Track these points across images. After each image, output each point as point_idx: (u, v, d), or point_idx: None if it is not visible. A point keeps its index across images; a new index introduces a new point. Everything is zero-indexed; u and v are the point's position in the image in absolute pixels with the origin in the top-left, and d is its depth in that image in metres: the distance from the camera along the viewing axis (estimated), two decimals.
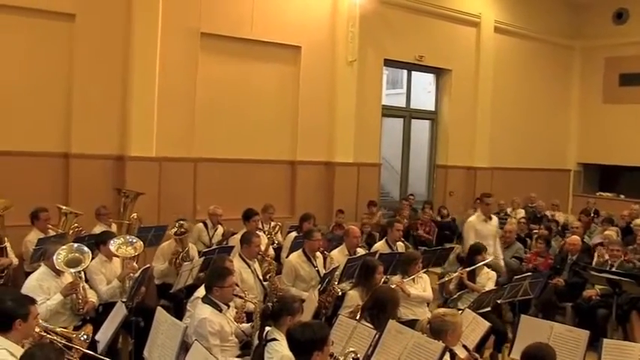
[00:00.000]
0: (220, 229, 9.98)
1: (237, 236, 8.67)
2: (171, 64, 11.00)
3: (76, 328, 5.43)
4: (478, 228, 9.59)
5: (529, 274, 8.26)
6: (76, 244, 6.63)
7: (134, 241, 7.35)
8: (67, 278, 6.45)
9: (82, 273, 6.51)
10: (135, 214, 9.46)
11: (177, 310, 7.57)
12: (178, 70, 11.16)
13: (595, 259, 9.49)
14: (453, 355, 5.23)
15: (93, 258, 7.25)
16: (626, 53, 17.25)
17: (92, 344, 5.37)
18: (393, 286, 6.87)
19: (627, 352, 5.16)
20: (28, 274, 7.13)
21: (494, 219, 10.02)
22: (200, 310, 5.68)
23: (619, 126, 17.33)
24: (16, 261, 7.90)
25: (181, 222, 8.35)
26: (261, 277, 7.72)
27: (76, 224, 8.88)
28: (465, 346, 5.27)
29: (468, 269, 7.99)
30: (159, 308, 5.59)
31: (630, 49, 17.06)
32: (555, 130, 18.11)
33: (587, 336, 5.48)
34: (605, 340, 5.36)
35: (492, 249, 9.23)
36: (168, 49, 10.94)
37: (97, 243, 7.47)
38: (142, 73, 10.65)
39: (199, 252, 8.61)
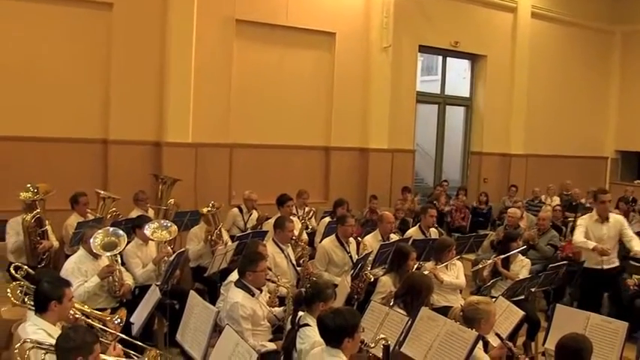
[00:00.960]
0: (255, 214, 10.05)
1: (271, 221, 8.65)
2: (206, 51, 11.13)
3: (113, 311, 5.53)
4: (591, 229, 8.08)
5: (565, 262, 8.18)
6: (111, 228, 6.73)
7: (169, 225, 7.43)
8: (104, 261, 6.56)
9: (118, 256, 6.62)
10: (172, 199, 9.59)
11: (212, 293, 7.66)
12: (214, 57, 11.30)
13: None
14: (486, 344, 5.23)
15: (129, 242, 7.45)
16: None
17: (127, 326, 5.49)
18: (426, 273, 6.84)
19: None
20: (68, 256, 7.26)
21: (615, 219, 8.16)
22: (233, 294, 5.71)
23: None
24: (56, 244, 8.03)
25: (212, 203, 8.45)
26: (294, 262, 7.74)
27: (113, 209, 9.00)
28: (498, 335, 5.22)
29: (502, 256, 7.92)
30: (192, 292, 5.61)
31: None
32: (593, 117, 17.84)
33: (626, 328, 5.23)
34: None
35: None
36: (203, 37, 11.08)
37: (133, 227, 7.59)
38: (179, 60, 10.80)
39: (233, 237, 8.69)
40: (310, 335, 4.81)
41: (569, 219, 11.87)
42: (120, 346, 4.64)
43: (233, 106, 11.60)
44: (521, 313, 5.93)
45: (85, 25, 10.33)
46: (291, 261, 7.69)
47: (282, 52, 12.30)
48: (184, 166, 10.67)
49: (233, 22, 11.48)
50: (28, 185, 7.74)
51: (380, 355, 4.64)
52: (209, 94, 11.22)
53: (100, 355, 3.98)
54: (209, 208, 8.31)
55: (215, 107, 11.36)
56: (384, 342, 4.56)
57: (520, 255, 8.07)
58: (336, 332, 4.22)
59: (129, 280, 6.82)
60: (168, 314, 6.60)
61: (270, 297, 6.24)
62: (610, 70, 18.17)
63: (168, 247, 7.38)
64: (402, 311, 5.50)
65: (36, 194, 7.68)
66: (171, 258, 6.89)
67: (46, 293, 4.56)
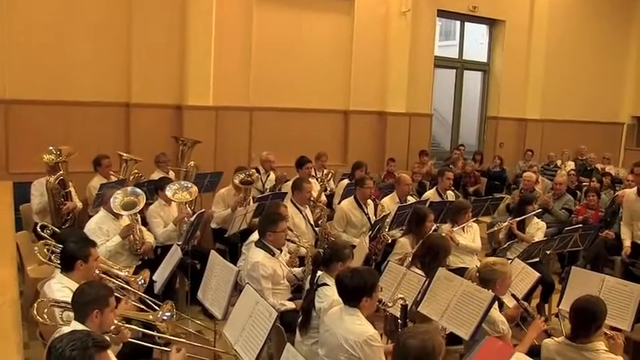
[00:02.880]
0: (273, 175, 10.09)
1: (290, 183, 8.76)
2: (226, 14, 11.13)
3: (137, 271, 5.64)
4: (632, 206, 8.19)
5: (580, 225, 8.24)
6: (129, 188, 6.83)
7: (189, 186, 7.53)
8: (125, 221, 6.71)
9: (138, 215, 6.74)
10: (192, 161, 9.66)
11: (232, 253, 7.77)
12: (234, 21, 11.30)
13: None
14: (501, 304, 5.33)
15: (151, 203, 7.60)
16: None
17: (150, 284, 5.61)
18: (443, 235, 6.89)
19: None
20: (91, 217, 7.44)
21: None
22: (253, 254, 5.80)
23: None
24: (80, 205, 8.18)
25: (247, 172, 8.46)
26: (312, 223, 7.90)
27: (136, 170, 9.10)
28: (513, 295, 5.32)
29: (517, 219, 8.00)
30: (212, 252, 5.74)
31: None
32: (610, 83, 17.62)
33: None
34: None
35: None
36: (223, 1, 11.09)
37: (156, 188, 7.76)
38: (199, 24, 10.80)
39: (252, 198, 8.76)
40: (328, 294, 4.88)
41: (584, 183, 11.94)
42: (131, 300, 4.82)
43: (253, 70, 11.64)
44: (537, 274, 6.03)
45: None
46: (309, 222, 7.84)
47: (301, 16, 12.28)
48: (205, 129, 10.73)
49: None
50: (51, 148, 7.88)
51: (397, 314, 4.73)
52: (229, 58, 11.25)
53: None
54: (243, 177, 8.31)
55: (235, 71, 11.39)
56: (401, 302, 4.64)
57: (535, 218, 8.16)
58: (354, 291, 4.30)
59: (150, 239, 6.96)
60: (190, 274, 6.72)
61: (290, 257, 6.37)
62: (630, 34, 17.80)
63: (188, 208, 7.53)
64: (419, 271, 5.58)
65: (59, 156, 7.81)
66: (192, 218, 7.00)
67: (73, 252, 4.70)
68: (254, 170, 8.85)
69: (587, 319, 4.36)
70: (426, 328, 3.66)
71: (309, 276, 5.37)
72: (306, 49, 12.37)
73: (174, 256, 5.98)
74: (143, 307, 5.13)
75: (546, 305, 7.54)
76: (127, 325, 4.23)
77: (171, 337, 4.62)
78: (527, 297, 6.26)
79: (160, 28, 10.72)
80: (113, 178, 8.74)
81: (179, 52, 10.88)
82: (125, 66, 10.59)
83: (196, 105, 10.87)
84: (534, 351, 4.58)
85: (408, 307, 4.72)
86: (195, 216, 7.05)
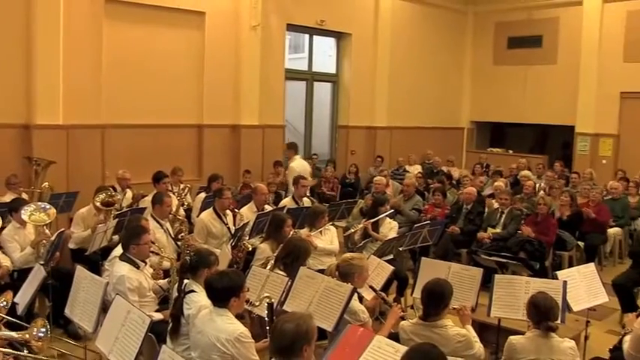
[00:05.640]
0: (129, 193, 10.01)
1: (148, 198, 8.76)
2: (75, 30, 10.84)
3: None
4: None
5: (427, 222, 8.87)
6: None
7: (47, 207, 7.33)
8: None
9: None
10: (46, 182, 9.47)
11: (93, 272, 7.46)
12: (83, 37, 11.02)
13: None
14: (361, 298, 5.67)
15: (4, 226, 7.37)
16: (513, 18, 18.22)
17: (12, 307, 5.50)
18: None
19: (515, 283, 5.72)
20: None
21: None
22: (118, 268, 5.82)
23: (507, 86, 18.32)
24: None
25: (109, 192, 8.36)
26: (173, 237, 7.94)
27: None
28: (371, 287, 5.76)
29: (371, 220, 8.46)
30: (79, 267, 5.70)
31: (517, 14, 18.06)
32: (450, 91, 18.93)
33: (481, 273, 6.00)
34: (497, 275, 5.92)
35: None
36: (71, 16, 10.77)
37: (10, 210, 7.50)
38: (46, 39, 10.45)
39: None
40: (196, 300, 4.98)
41: (431, 185, 12.68)
42: None
43: (105, 86, 11.44)
44: (391, 267, 6.49)
45: None
46: (170, 235, 7.87)
47: (152, 32, 12.25)
48: (56, 148, 10.41)
49: (102, 1, 11.28)
50: None
51: (264, 314, 4.89)
52: (79, 74, 10.96)
53: None
54: (104, 197, 8.18)
55: (86, 87, 11.11)
56: (267, 300, 4.85)
57: (388, 218, 8.66)
58: (222, 292, 4.50)
59: (6, 262, 6.78)
60: (51, 295, 6.58)
61: (154, 270, 6.41)
62: (464, 46, 19.30)
63: (47, 230, 7.35)
64: (282, 273, 5.83)
65: None
66: (52, 238, 6.87)
67: None
68: (113, 191, 8.74)
69: (436, 298, 4.82)
70: (300, 314, 3.97)
71: (176, 284, 5.44)
72: (159, 65, 12.34)
73: (37, 275, 5.88)
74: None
75: (402, 299, 8.00)
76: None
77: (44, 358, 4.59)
78: (384, 292, 6.64)
79: (3, 44, 10.28)
80: None
81: (25, 70, 10.46)
82: None
83: (46, 124, 10.53)
84: (393, 339, 4.92)
85: (274, 307, 4.93)
86: (55, 235, 6.92)
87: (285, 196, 10.60)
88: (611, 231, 10.73)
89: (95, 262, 7.71)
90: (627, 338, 5.13)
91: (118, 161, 11.17)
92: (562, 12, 17.24)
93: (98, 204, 8.18)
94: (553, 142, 19.09)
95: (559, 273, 6.15)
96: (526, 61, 17.92)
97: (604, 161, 16.41)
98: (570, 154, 17.21)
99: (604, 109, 16.35)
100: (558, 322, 4.88)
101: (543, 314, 4.75)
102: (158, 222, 7.76)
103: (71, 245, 8.28)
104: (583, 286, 6.08)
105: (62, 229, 7.44)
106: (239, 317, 4.86)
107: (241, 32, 13.45)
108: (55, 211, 7.48)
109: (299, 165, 11.84)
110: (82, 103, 11.06)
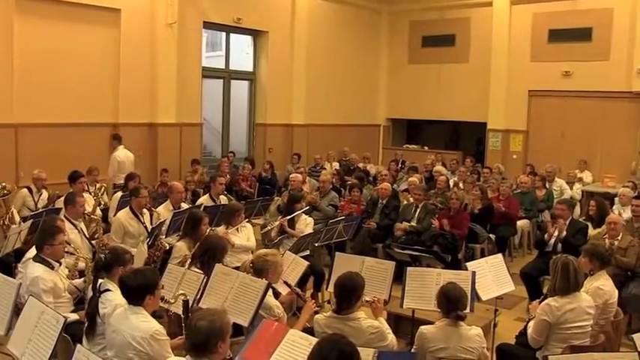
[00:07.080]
0: (45, 194, 9.83)
1: (63, 199, 8.67)
2: None
3: None
4: None
5: (343, 218, 9.08)
6: None
7: None
8: None
9: None
10: None
11: (7, 274, 7.35)
12: None
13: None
14: (277, 294, 5.82)
15: None
16: (427, 17, 18.69)
17: None
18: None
19: (426, 275, 5.93)
20: None
21: None
22: (32, 269, 5.75)
23: (422, 84, 18.77)
24: None
25: (2, 184, 8.27)
26: (88, 237, 7.85)
27: None
28: (286, 282, 5.86)
29: (288, 217, 8.57)
30: None
31: (430, 14, 18.52)
32: (366, 89, 19.23)
33: (394, 266, 6.18)
34: (409, 268, 6.12)
35: None
36: None
37: None
38: None
39: (25, 218, 8.44)
40: (111, 299, 4.98)
41: (348, 182, 12.91)
42: None
43: (17, 85, 11.24)
44: (306, 263, 6.64)
45: None
46: (85, 236, 7.78)
47: (67, 29, 12.08)
48: None
49: None
50: None
51: (180, 311, 4.94)
52: None
53: None
54: None
55: None
56: (183, 297, 4.87)
57: (304, 215, 8.78)
58: (137, 290, 4.53)
59: None
60: None
61: (70, 271, 6.35)
62: (380, 45, 19.63)
63: None
64: (198, 270, 5.87)
65: None
66: None
67: None
68: (4, 184, 8.58)
69: (347, 291, 4.96)
70: (214, 310, 4.06)
71: (91, 284, 5.42)
72: (74, 62, 12.19)
73: None
74: None
75: (319, 294, 8.15)
76: None
77: None
78: (301, 288, 6.75)
79: None
80: None
81: None
82: None
83: None
84: (308, 333, 5.07)
85: (190, 304, 5.00)
86: None
87: (204, 194, 10.60)
88: (520, 223, 11.16)
89: (8, 264, 7.56)
90: (531, 324, 5.46)
91: (33, 161, 10.96)
92: (473, 12, 17.82)
93: None
94: (467, 138, 19.72)
95: (468, 264, 6.42)
96: (440, 60, 18.39)
97: (515, 156, 17.07)
98: (484, 150, 17.82)
99: (514, 107, 17.01)
100: (467, 311, 5.13)
101: (453, 304, 4.96)
102: (72, 222, 7.64)
103: None
104: (491, 275, 6.36)
105: None
106: (158, 316, 4.93)
107: (157, 30, 13.41)
108: None
109: (122, 155, 12.32)
110: None
